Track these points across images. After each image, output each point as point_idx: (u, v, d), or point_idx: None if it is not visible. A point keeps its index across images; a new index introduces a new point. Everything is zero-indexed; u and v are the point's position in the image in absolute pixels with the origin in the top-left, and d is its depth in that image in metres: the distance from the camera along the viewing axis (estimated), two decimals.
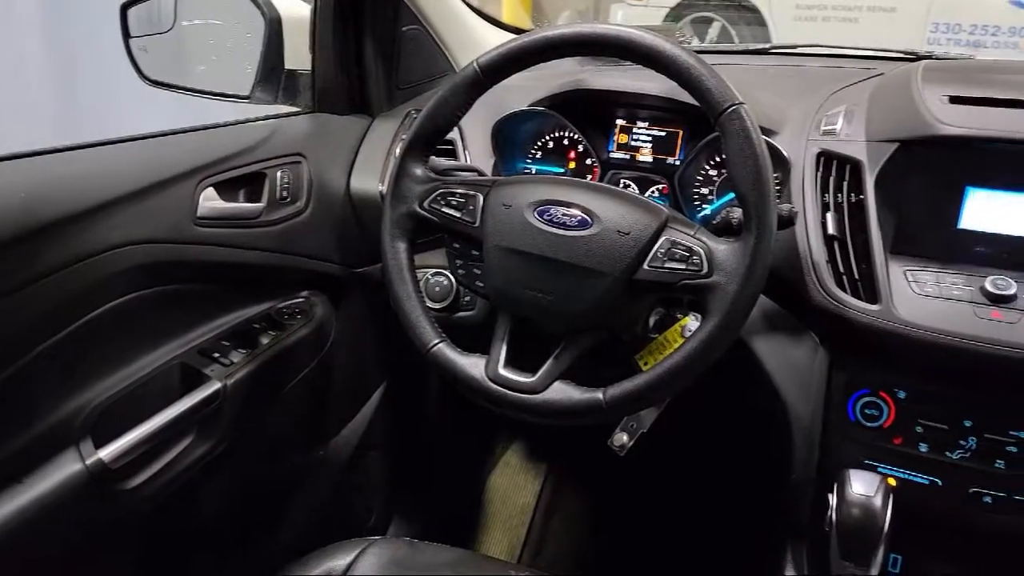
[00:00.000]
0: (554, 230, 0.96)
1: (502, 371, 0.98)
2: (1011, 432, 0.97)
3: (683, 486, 1.71)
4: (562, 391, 0.95)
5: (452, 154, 1.29)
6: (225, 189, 1.17)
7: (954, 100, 1.03)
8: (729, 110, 0.89)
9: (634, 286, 0.94)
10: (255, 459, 1.28)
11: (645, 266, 0.93)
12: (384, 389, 1.55)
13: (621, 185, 1.28)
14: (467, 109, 1.03)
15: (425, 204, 1.03)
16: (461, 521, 1.81)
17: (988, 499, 1.00)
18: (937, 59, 1.27)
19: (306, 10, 1.34)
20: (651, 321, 1.07)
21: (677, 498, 1.73)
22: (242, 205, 1.19)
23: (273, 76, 1.35)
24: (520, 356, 1.01)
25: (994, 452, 0.98)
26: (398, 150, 1.06)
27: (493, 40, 1.02)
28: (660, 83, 0.97)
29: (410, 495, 1.70)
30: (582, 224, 0.96)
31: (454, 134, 1.29)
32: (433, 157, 1.08)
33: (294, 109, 1.38)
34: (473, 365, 0.99)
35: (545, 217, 0.97)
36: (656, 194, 1.27)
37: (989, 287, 0.95)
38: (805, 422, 1.07)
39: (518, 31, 1.28)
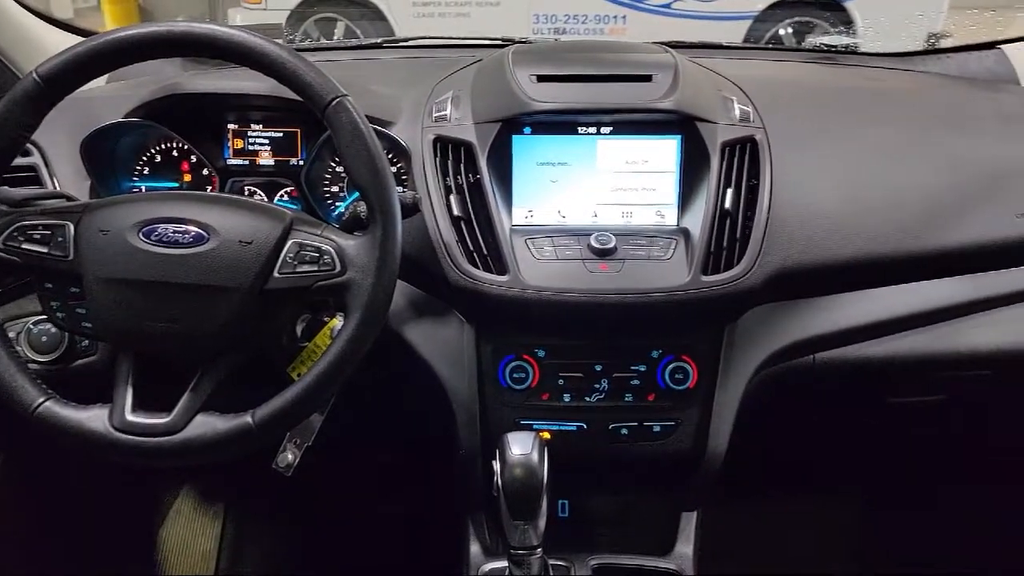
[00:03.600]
0: (165, 250, 0.88)
1: (130, 417, 0.87)
2: (632, 368, 1.10)
3: (366, 485, 1.70)
4: (205, 424, 0.88)
5: (35, 181, 1.11)
6: None
7: (541, 79, 1.13)
8: (333, 103, 0.88)
9: (268, 297, 0.90)
10: None
11: (275, 274, 0.89)
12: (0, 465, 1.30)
13: (246, 193, 1.21)
14: (34, 127, 0.89)
15: None
16: None
17: (625, 431, 1.12)
18: (525, 43, 1.37)
19: None
20: (298, 329, 1.03)
21: (363, 499, 1.71)
22: None
23: None
24: (155, 396, 0.91)
25: (622, 388, 1.10)
26: None
27: (65, 45, 0.89)
28: (265, 82, 0.92)
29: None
30: (198, 240, 0.89)
31: (33, 157, 1.12)
32: (3, 187, 0.92)
33: None
34: (94, 418, 0.87)
35: (153, 238, 0.88)
36: (285, 198, 1.22)
37: (594, 243, 1.06)
38: (464, 397, 1.11)
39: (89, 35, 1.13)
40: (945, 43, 1.62)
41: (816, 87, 1.39)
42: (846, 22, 4.98)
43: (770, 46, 3.49)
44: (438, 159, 1.10)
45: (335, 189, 1.20)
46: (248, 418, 0.87)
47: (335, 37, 5.46)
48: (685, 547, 1.17)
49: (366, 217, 0.93)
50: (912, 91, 1.39)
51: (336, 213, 1.20)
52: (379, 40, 1.64)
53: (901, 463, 1.65)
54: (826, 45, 1.71)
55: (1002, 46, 1.47)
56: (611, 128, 1.11)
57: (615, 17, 5.58)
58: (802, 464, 1.63)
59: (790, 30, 5.29)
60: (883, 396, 1.34)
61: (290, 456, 1.04)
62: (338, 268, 0.89)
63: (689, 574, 1.14)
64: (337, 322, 1.02)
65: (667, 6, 5.55)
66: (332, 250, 0.89)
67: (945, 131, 1.25)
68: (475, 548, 1.18)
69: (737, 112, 1.13)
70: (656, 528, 1.19)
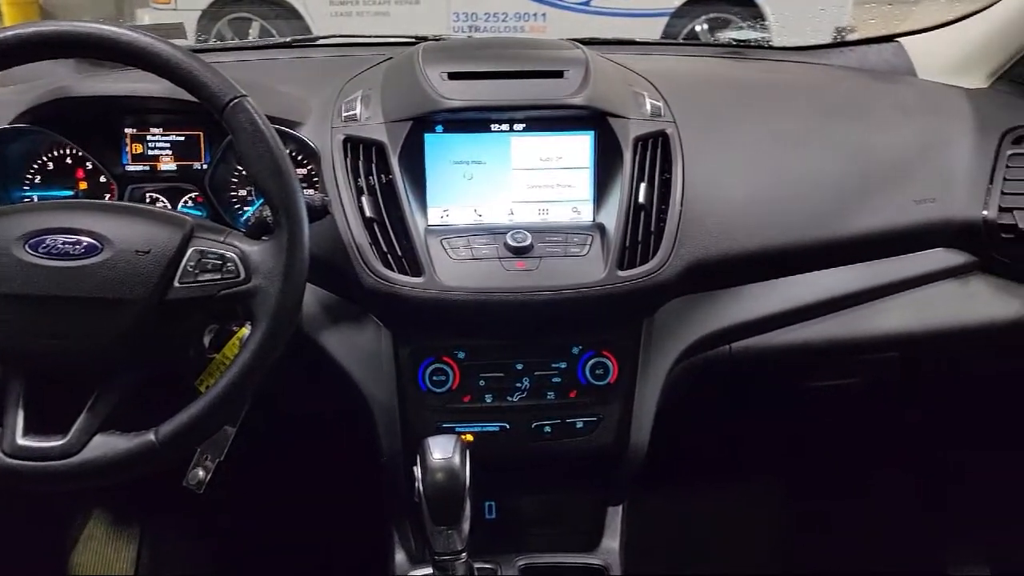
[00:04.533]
0: (54, 263, 0.84)
1: (21, 441, 0.83)
2: (553, 365, 1.09)
3: (286, 496, 1.66)
4: (105, 445, 0.84)
5: None
6: None
7: (452, 76, 1.11)
8: (232, 104, 0.86)
9: (169, 308, 0.87)
10: None
11: (176, 284, 0.86)
12: None
13: (147, 200, 1.16)
14: None
15: None
16: None
17: (548, 429, 1.11)
18: (436, 40, 1.35)
19: None
20: (206, 340, 1.00)
21: (284, 510, 1.67)
22: None
23: None
24: (52, 418, 0.86)
25: (544, 386, 1.10)
26: None
27: None
28: (162, 83, 0.89)
29: None
30: (90, 251, 0.85)
31: None
32: None
33: None
34: None
35: (40, 250, 0.84)
36: (190, 204, 1.17)
37: (510, 241, 1.05)
38: (383, 402, 1.09)
39: None
40: (851, 37, 1.67)
41: (726, 81, 1.41)
42: (758, 17, 5.12)
43: (682, 42, 3.56)
44: (348, 160, 1.08)
45: (242, 193, 1.17)
46: (151, 436, 0.84)
47: (250, 37, 5.32)
48: (611, 541, 1.17)
49: (272, 221, 0.90)
50: (817, 83, 1.43)
51: (244, 218, 1.17)
52: (288, 39, 1.59)
53: (821, 450, 1.69)
54: (736, 40, 1.74)
55: (899, 39, 1.52)
56: (524, 125, 1.11)
57: (535, 15, 5.60)
58: (726, 453, 1.66)
59: (705, 26, 5.41)
60: (799, 382, 1.37)
61: (201, 473, 1.00)
62: (242, 275, 0.87)
63: (616, 570, 1.15)
64: (247, 331, 0.98)
65: (586, 3, 5.60)
66: (236, 257, 0.87)
67: (848, 121, 1.28)
68: (400, 556, 1.16)
69: (648, 107, 1.14)
70: (582, 524, 1.19)
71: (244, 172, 1.14)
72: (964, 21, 1.44)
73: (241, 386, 0.85)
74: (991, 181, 1.22)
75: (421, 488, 0.94)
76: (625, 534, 1.18)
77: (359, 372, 1.09)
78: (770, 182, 1.18)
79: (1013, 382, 1.47)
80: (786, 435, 1.65)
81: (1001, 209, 1.20)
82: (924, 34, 1.51)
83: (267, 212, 0.93)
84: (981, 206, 1.21)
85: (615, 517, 1.19)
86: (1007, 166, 1.23)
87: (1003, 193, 1.21)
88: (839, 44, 1.57)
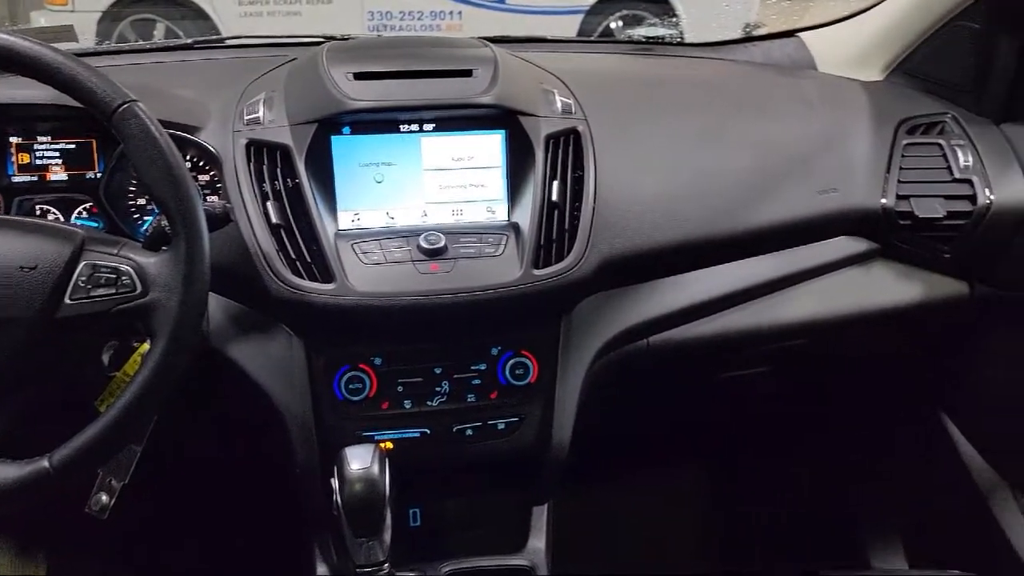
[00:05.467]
0: None
1: None
2: (472, 367, 1.08)
3: (203, 515, 1.60)
4: None
5: None
6: None
7: (358, 76, 1.08)
8: (120, 109, 0.83)
9: (59, 326, 0.82)
10: None
11: (67, 300, 0.82)
12: None
13: (38, 213, 1.10)
14: None
15: None
16: None
17: (470, 431, 1.10)
18: (342, 39, 1.32)
19: None
20: (105, 358, 0.95)
21: (200, 529, 1.61)
22: None
23: None
24: None
25: (464, 389, 1.08)
26: None
27: None
28: (47, 90, 0.84)
29: None
30: None
31: None
32: None
33: None
34: None
35: None
36: (84, 215, 1.12)
37: (423, 243, 1.04)
38: (298, 414, 1.06)
39: None
40: (758, 33, 1.71)
41: (636, 78, 1.42)
42: (669, 14, 5.22)
43: (592, 39, 3.58)
44: (252, 164, 1.04)
45: (141, 202, 1.11)
46: (44, 462, 0.79)
47: (154, 39, 5.13)
48: (537, 541, 1.17)
49: (170, 231, 0.86)
50: (723, 79, 1.46)
51: (144, 229, 1.11)
52: (190, 41, 1.53)
53: (742, 443, 1.73)
54: (645, 37, 1.75)
55: (800, 34, 1.57)
56: (434, 125, 1.09)
57: (451, 13, 5.58)
58: (649, 449, 1.68)
59: (620, 23, 5.49)
60: (715, 373, 1.40)
61: (104, 497, 0.96)
62: (139, 289, 0.83)
63: (542, 571, 1.14)
64: (147, 347, 0.94)
65: (502, 1, 5.60)
66: (131, 270, 0.84)
67: (753, 116, 1.31)
68: (322, 569, 1.12)
69: (559, 105, 1.14)
70: (508, 526, 1.18)
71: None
72: (859, 16, 1.49)
73: (142, 405, 0.81)
74: (888, 170, 1.27)
75: (339, 500, 0.91)
76: (551, 533, 1.18)
77: (271, 383, 1.06)
78: (680, 177, 1.19)
79: (915, 364, 1.53)
80: (707, 429, 1.68)
81: (898, 197, 1.25)
82: (823, 29, 1.56)
83: (165, 222, 0.89)
84: (880, 195, 1.25)
85: (540, 517, 1.18)
86: (902, 155, 1.28)
87: (899, 182, 1.26)
88: (744, 40, 1.61)
